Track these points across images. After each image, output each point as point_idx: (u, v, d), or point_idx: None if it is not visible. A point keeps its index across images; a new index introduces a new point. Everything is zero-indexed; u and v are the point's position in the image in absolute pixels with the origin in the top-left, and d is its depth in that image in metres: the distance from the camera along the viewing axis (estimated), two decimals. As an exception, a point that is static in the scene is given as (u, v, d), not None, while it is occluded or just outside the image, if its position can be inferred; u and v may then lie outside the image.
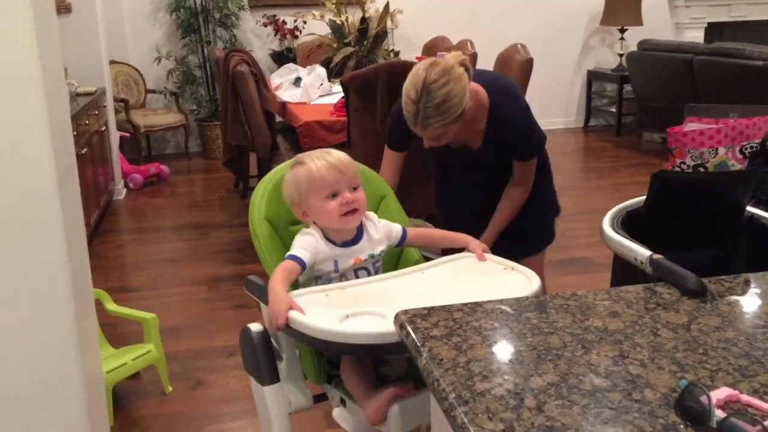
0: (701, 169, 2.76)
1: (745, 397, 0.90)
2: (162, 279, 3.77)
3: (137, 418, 2.54)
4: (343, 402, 1.58)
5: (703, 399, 0.85)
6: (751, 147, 2.76)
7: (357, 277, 1.62)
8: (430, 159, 3.55)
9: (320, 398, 1.66)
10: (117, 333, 3.00)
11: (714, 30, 7.32)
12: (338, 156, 1.63)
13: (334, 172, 1.59)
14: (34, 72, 1.62)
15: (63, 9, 4.78)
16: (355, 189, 1.61)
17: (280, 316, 1.39)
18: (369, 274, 1.63)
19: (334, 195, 1.58)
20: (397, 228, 1.71)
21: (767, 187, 2.71)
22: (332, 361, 1.66)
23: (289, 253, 1.56)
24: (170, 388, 2.68)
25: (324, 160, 1.61)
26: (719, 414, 0.84)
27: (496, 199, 2.23)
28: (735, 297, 1.21)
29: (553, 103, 7.11)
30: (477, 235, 1.95)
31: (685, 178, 1.71)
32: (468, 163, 2.23)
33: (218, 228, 4.50)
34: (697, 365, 1.00)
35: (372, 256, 1.63)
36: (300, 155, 1.68)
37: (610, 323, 1.13)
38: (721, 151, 2.78)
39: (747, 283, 1.27)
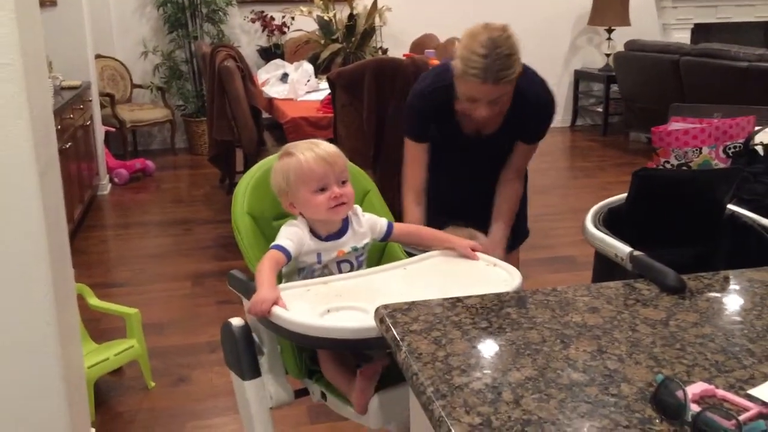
0: (685, 168, 2.78)
1: (720, 392, 0.91)
2: (146, 274, 3.75)
3: (119, 413, 2.52)
4: (323, 396, 1.58)
5: (679, 393, 0.85)
6: (735, 147, 2.78)
7: (340, 269, 1.61)
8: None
9: (301, 393, 1.65)
10: (100, 328, 2.98)
11: (701, 31, 7.37)
12: (327, 148, 1.62)
13: (323, 165, 1.58)
14: (13, 59, 1.60)
15: (48, 2, 4.74)
16: (343, 183, 1.61)
17: (266, 302, 1.39)
18: (352, 267, 1.62)
19: (323, 189, 1.58)
20: (382, 222, 1.70)
21: (750, 186, 2.73)
22: (313, 357, 1.66)
23: (274, 243, 1.55)
24: (153, 384, 2.67)
25: (313, 152, 1.60)
26: (694, 408, 0.84)
27: (486, 192, 2.21)
28: (713, 294, 1.22)
29: (541, 102, 7.13)
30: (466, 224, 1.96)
31: (666, 175, 1.72)
32: (470, 151, 2.18)
33: (203, 224, 4.48)
34: (674, 360, 1.00)
35: (355, 249, 1.63)
36: (288, 145, 1.66)
37: (589, 318, 1.14)
38: (705, 150, 2.80)
39: (726, 280, 1.27)
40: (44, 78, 1.98)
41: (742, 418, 0.83)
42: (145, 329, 2.75)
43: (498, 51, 1.84)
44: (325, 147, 1.63)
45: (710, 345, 1.04)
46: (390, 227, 1.70)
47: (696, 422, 0.82)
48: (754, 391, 0.90)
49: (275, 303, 1.39)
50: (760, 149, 2.66)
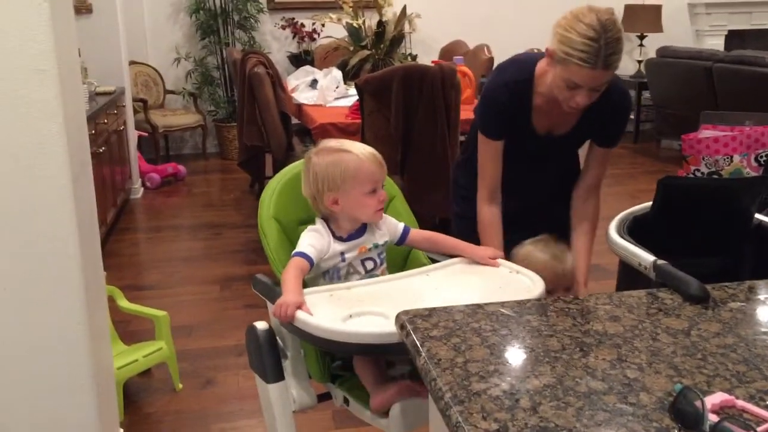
0: (716, 176, 2.75)
1: (740, 403, 0.90)
2: (175, 278, 3.80)
3: (147, 415, 2.57)
4: (346, 401, 1.59)
5: (697, 403, 0.85)
6: (767, 155, 2.74)
7: (364, 266, 1.64)
8: (442, 164, 3.57)
9: (324, 397, 1.67)
10: (129, 330, 3.03)
11: (735, 38, 7.26)
12: (372, 150, 1.66)
13: (379, 167, 1.63)
14: (49, 64, 1.65)
15: (84, 10, 4.85)
16: (383, 185, 1.65)
17: (289, 309, 1.41)
18: (375, 264, 1.65)
19: (374, 190, 1.61)
20: (399, 225, 1.72)
21: (782, 195, 2.69)
22: (341, 362, 1.68)
23: (296, 250, 1.57)
24: (180, 386, 2.71)
25: (368, 151, 1.63)
26: (713, 418, 0.84)
27: (547, 202, 2.08)
28: (737, 304, 1.21)
29: (571, 109, 7.08)
30: (524, 231, 1.93)
31: (691, 183, 1.71)
32: (537, 154, 2.03)
33: (233, 228, 4.53)
34: (695, 370, 1.00)
35: (376, 246, 1.66)
36: (331, 143, 1.67)
37: (610, 327, 1.14)
38: (736, 158, 2.77)
39: (751, 290, 1.26)
40: (78, 84, 2.03)
41: (760, 429, 0.83)
42: (174, 332, 2.80)
43: (608, 35, 1.70)
44: (369, 148, 1.66)
45: (732, 355, 1.04)
46: (406, 230, 1.72)
47: (714, 432, 0.82)
48: (774, 403, 0.90)
49: (299, 307, 1.41)
50: (792, 158, 2.63)
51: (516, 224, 1.96)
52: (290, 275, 1.49)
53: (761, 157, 2.69)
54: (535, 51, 4.37)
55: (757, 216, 1.56)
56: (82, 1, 4.85)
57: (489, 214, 1.99)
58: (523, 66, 1.95)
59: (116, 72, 5.03)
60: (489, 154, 1.99)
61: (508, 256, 1.82)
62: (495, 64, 4.86)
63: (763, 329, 1.12)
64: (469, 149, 2.14)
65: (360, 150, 1.61)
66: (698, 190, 1.61)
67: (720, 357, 1.03)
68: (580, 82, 1.74)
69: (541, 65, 1.89)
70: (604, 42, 1.69)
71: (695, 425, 0.84)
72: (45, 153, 1.69)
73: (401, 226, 1.72)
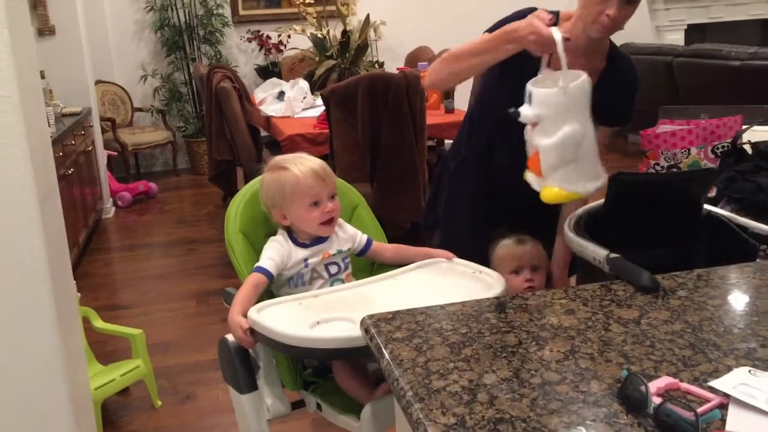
0: (674, 170, 2.82)
1: (684, 385, 0.95)
2: (151, 295, 3.81)
3: (127, 433, 2.58)
4: (319, 407, 1.63)
5: (642, 388, 0.90)
6: (723, 146, 2.82)
7: (328, 270, 1.68)
8: (411, 170, 3.61)
9: (298, 405, 1.70)
10: (106, 350, 3.03)
11: (695, 31, 7.41)
12: (319, 163, 1.69)
13: (318, 181, 1.65)
14: (11, 91, 1.66)
15: (47, 31, 4.83)
16: (332, 197, 1.67)
17: (240, 339, 1.51)
18: (339, 268, 1.70)
19: (316, 203, 1.64)
20: (362, 236, 1.77)
21: (739, 185, 2.77)
22: (315, 369, 1.71)
23: (256, 264, 1.62)
24: (159, 403, 2.72)
25: (307, 167, 1.66)
26: (657, 401, 0.88)
27: None
28: (686, 292, 1.26)
29: (538, 109, 7.17)
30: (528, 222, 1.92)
31: (641, 179, 1.77)
32: None
33: (206, 243, 4.54)
34: (644, 357, 1.05)
35: (340, 252, 1.71)
36: (278, 159, 1.72)
37: (565, 320, 1.18)
38: (694, 151, 2.84)
39: (699, 278, 1.32)
40: (41, 108, 2.04)
41: (700, 409, 0.87)
42: (151, 349, 2.81)
43: None
44: (316, 161, 1.69)
45: (679, 341, 1.09)
46: (369, 242, 1.77)
47: (657, 414, 0.86)
48: (715, 383, 0.95)
49: (242, 328, 1.49)
50: (747, 148, 2.70)
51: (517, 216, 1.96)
52: (239, 294, 1.58)
53: (717, 148, 2.77)
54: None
55: (706, 207, 1.62)
56: (45, 22, 4.84)
57: None
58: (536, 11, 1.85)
59: (82, 92, 5.01)
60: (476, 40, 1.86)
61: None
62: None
63: (709, 314, 1.17)
64: (462, 150, 2.07)
65: (298, 166, 1.65)
66: (648, 185, 1.67)
67: (668, 343, 1.08)
68: (611, 10, 1.72)
69: (565, 12, 1.88)
70: None
71: (640, 408, 0.89)
72: (10, 178, 1.70)
73: (363, 237, 1.77)
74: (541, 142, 1.63)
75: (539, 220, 1.97)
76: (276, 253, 1.63)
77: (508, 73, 1.84)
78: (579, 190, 1.65)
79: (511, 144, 1.89)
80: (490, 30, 1.90)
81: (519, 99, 1.68)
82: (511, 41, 1.76)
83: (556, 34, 1.63)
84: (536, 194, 1.95)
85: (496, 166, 2.00)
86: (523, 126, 1.77)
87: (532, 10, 1.85)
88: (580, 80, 1.61)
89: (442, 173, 2.22)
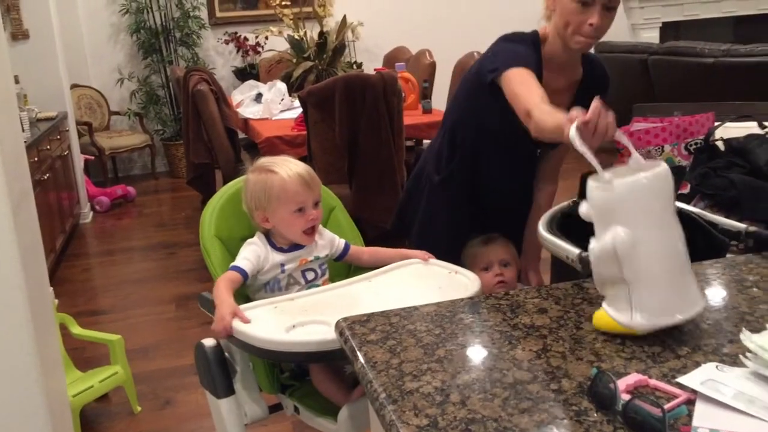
0: (649, 167, 2.85)
1: (653, 382, 0.97)
2: (130, 300, 3.78)
3: (106, 440, 2.56)
4: (296, 410, 1.63)
5: (611, 385, 0.91)
6: (696, 143, 2.85)
7: (305, 277, 1.68)
8: (389, 170, 3.62)
9: (276, 408, 1.70)
10: (85, 356, 3.01)
11: (670, 29, 7.49)
12: (306, 168, 1.69)
13: (305, 187, 1.65)
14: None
15: (20, 35, 4.78)
16: (316, 204, 1.68)
17: (225, 319, 1.45)
18: (316, 274, 1.69)
19: (301, 209, 1.64)
20: (340, 241, 1.77)
21: (712, 181, 2.80)
22: (292, 372, 1.71)
23: (232, 264, 1.61)
24: (139, 408, 2.70)
25: (294, 172, 1.66)
26: (625, 398, 0.90)
27: (524, 192, 2.06)
28: (656, 288, 1.28)
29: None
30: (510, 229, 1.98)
31: (612, 177, 1.77)
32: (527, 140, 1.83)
33: (186, 247, 4.52)
34: (614, 354, 1.06)
35: (317, 258, 1.70)
36: (265, 161, 1.71)
37: (537, 319, 1.19)
38: (667, 148, 2.87)
39: (669, 274, 1.33)
40: (14, 113, 2.02)
41: (667, 406, 0.89)
42: (131, 354, 2.79)
43: None
44: (302, 166, 1.69)
45: (648, 338, 1.10)
46: (347, 247, 1.77)
47: (625, 411, 0.87)
48: (682, 379, 0.96)
49: (234, 315, 1.44)
50: (720, 144, 2.74)
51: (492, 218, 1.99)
52: (219, 289, 1.54)
53: (690, 145, 2.80)
54: (476, 54, 4.46)
55: (676, 203, 1.64)
56: (18, 26, 4.79)
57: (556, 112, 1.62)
58: (521, 35, 1.89)
59: (57, 96, 4.97)
60: (525, 79, 1.71)
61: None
62: (437, 68, 4.96)
63: (679, 311, 1.19)
64: (444, 164, 2.02)
65: (286, 170, 1.65)
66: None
67: (638, 340, 1.10)
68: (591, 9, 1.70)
69: (541, 31, 1.88)
70: None
71: (609, 405, 0.90)
72: (-19, 186, 1.69)
73: (341, 242, 1.77)
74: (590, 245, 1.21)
75: (518, 229, 2.01)
76: (252, 254, 1.63)
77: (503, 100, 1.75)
78: (628, 322, 1.10)
79: (500, 161, 1.96)
80: (513, 61, 1.75)
81: (514, 124, 1.66)
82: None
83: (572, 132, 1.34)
84: (517, 206, 2.04)
85: (484, 183, 2.00)
86: (514, 144, 1.81)
87: (535, 34, 1.86)
88: (634, 178, 1.13)
89: (418, 183, 2.14)
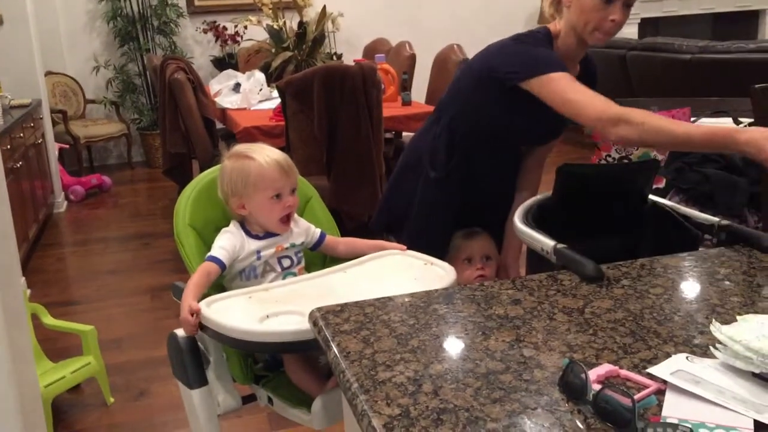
0: (625, 161, 2.87)
1: (624, 372, 0.97)
2: (104, 291, 3.74)
3: (78, 431, 2.53)
4: (270, 401, 1.62)
5: (582, 375, 0.91)
6: (672, 138, 2.88)
7: (281, 263, 1.68)
8: (367, 162, 3.61)
9: (249, 399, 1.69)
10: (57, 347, 2.97)
11: (649, 25, 7.54)
12: (283, 156, 1.69)
13: (282, 174, 1.65)
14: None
15: (-7, 21, 4.70)
16: (293, 191, 1.67)
17: (187, 320, 1.48)
18: (291, 262, 1.69)
19: (278, 196, 1.63)
20: (315, 230, 1.76)
21: (687, 175, 2.84)
22: (266, 362, 1.70)
23: (208, 254, 1.60)
24: (112, 400, 2.67)
25: (272, 159, 1.65)
26: (596, 388, 0.90)
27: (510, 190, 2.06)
28: (629, 281, 1.29)
29: (495, 101, 7.23)
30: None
31: (587, 170, 1.79)
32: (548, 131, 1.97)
33: (161, 237, 4.48)
34: (586, 345, 1.06)
35: (293, 245, 1.70)
36: (243, 148, 1.70)
37: (511, 310, 1.19)
38: (644, 143, 2.90)
39: (642, 267, 1.34)
40: (-16, 100, 1.99)
41: (637, 396, 0.89)
42: (104, 345, 2.76)
43: None
44: (279, 153, 1.69)
45: (620, 329, 1.11)
46: (322, 236, 1.77)
47: (596, 401, 0.88)
48: (653, 369, 0.97)
49: (194, 313, 1.46)
50: (695, 139, 2.76)
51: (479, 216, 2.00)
52: (190, 284, 1.55)
53: (667, 140, 2.83)
54: (455, 47, 4.46)
55: (651, 197, 1.65)
56: (-8, 12, 4.71)
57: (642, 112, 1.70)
58: (533, 32, 1.86)
59: (31, 84, 4.89)
60: (572, 83, 1.71)
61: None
62: (417, 60, 4.95)
63: (651, 303, 1.20)
64: (442, 161, 1.97)
65: (264, 157, 1.64)
66: (594, 176, 1.69)
67: (610, 331, 1.10)
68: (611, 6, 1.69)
69: (554, 25, 1.85)
70: None
71: (580, 395, 0.90)
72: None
73: (317, 231, 1.77)
74: None
75: (500, 226, 2.05)
76: (228, 243, 1.62)
77: (526, 102, 1.75)
78: None
79: (494, 159, 1.97)
80: (550, 66, 1.73)
81: (532, 126, 1.76)
82: (735, 150, 1.56)
83: None
84: (502, 204, 2.05)
85: (478, 182, 1.99)
86: (510, 144, 1.87)
87: (547, 33, 1.83)
88: None
89: (409, 176, 2.08)
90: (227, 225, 1.71)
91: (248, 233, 1.67)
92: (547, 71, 1.71)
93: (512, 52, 1.81)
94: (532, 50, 1.79)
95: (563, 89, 1.69)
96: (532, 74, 1.72)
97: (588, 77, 1.92)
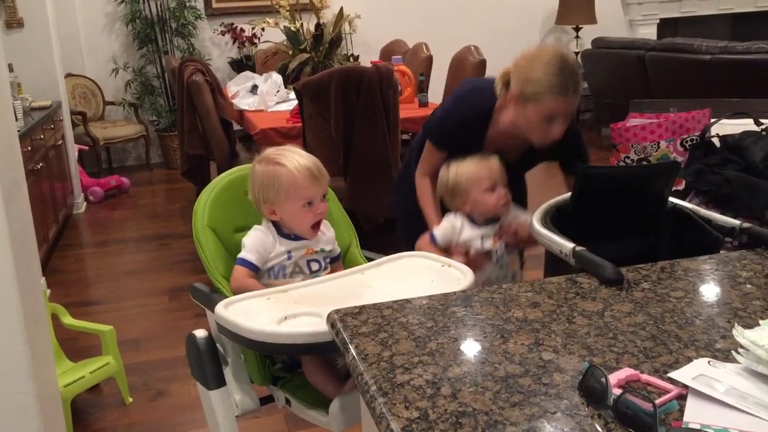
0: (644, 163, 2.85)
1: (645, 377, 0.96)
2: (123, 291, 3.77)
3: (97, 430, 2.55)
4: (288, 402, 1.62)
5: (603, 379, 0.90)
6: (691, 139, 2.85)
7: (309, 267, 1.69)
8: (384, 164, 3.62)
9: (267, 400, 1.69)
10: (77, 347, 2.99)
11: (668, 26, 7.48)
12: (314, 161, 1.69)
13: (314, 181, 1.66)
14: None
15: (15, 23, 4.75)
16: (324, 197, 1.68)
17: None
18: (320, 266, 1.70)
19: (309, 203, 1.64)
20: (337, 248, 1.80)
21: (707, 177, 2.80)
22: (284, 364, 1.71)
23: (240, 256, 1.62)
24: (130, 399, 2.69)
25: (303, 166, 1.65)
26: (617, 392, 0.89)
27: None
28: (649, 284, 1.27)
29: (513, 103, 7.21)
30: None
31: (607, 172, 1.78)
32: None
33: (179, 238, 4.50)
34: (606, 349, 1.06)
35: (323, 250, 1.72)
36: (273, 152, 1.70)
37: (530, 313, 1.19)
38: (663, 144, 2.87)
39: (662, 270, 1.33)
40: (8, 101, 2.01)
41: (658, 401, 0.88)
42: (123, 345, 2.78)
43: (568, 62, 1.86)
44: (310, 158, 1.69)
45: (641, 333, 1.10)
46: (338, 257, 1.80)
47: (617, 405, 0.87)
48: (674, 374, 0.96)
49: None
50: (716, 141, 2.73)
51: None
52: (249, 284, 1.60)
53: (686, 141, 2.80)
54: (472, 48, 4.44)
55: (671, 199, 1.64)
56: (13, 15, 4.76)
57: (423, 185, 2.14)
58: (481, 97, 2.02)
59: (52, 86, 4.94)
60: (432, 164, 2.09)
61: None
62: (433, 62, 4.95)
63: (671, 306, 1.19)
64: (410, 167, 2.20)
65: (295, 163, 1.64)
66: (615, 178, 1.68)
67: (630, 335, 1.09)
68: (557, 111, 1.84)
69: (500, 102, 1.97)
70: (567, 70, 1.83)
71: (600, 400, 0.89)
72: (-29, 173, 1.67)
73: (338, 250, 1.80)
74: None
75: None
76: (259, 243, 1.65)
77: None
78: None
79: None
80: (437, 140, 2.09)
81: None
82: None
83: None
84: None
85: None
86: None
87: (491, 106, 2.00)
88: None
89: (402, 179, 2.29)
90: (246, 226, 1.72)
91: (280, 232, 1.68)
92: (432, 140, 2.10)
93: (448, 107, 2.14)
94: (452, 117, 2.07)
95: (427, 152, 2.12)
96: (428, 136, 2.12)
97: (563, 144, 1.96)
